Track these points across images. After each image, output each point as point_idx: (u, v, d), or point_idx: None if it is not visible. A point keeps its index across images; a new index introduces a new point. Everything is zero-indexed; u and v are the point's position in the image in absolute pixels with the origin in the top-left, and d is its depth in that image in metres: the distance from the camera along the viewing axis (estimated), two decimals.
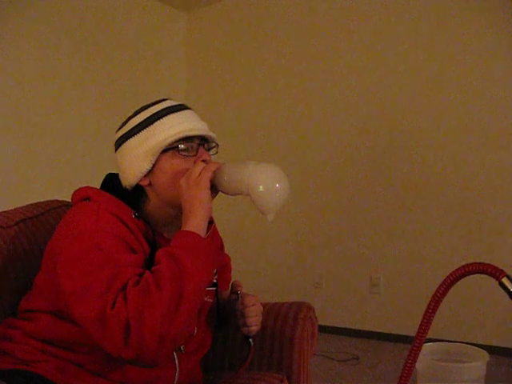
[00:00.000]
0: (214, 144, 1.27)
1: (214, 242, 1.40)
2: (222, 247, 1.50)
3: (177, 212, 1.21)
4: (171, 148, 1.19)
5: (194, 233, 1.09)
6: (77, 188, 1.26)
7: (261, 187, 1.14)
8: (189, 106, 1.29)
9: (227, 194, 1.20)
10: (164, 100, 1.26)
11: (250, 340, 1.35)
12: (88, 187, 1.24)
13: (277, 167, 1.20)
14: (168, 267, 1.02)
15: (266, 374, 1.42)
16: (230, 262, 1.54)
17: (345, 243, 3.88)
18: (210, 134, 1.25)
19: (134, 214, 1.18)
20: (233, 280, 1.42)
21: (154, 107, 1.23)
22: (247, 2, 4.45)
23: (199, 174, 1.14)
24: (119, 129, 1.26)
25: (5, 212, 1.47)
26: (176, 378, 1.21)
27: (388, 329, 3.64)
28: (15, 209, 1.52)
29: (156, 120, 1.21)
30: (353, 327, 3.79)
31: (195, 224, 1.11)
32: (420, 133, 3.60)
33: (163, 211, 1.24)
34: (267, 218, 1.18)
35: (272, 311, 1.51)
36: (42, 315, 1.16)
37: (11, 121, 3.39)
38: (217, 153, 1.28)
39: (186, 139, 1.20)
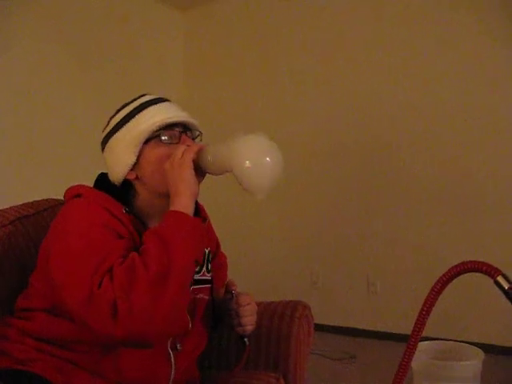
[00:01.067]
0: (197, 132, 1.28)
1: (209, 239, 1.40)
2: (218, 246, 1.50)
3: (167, 203, 1.19)
4: (153, 137, 1.20)
5: (179, 211, 1.09)
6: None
7: (247, 162, 1.08)
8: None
9: (215, 174, 1.17)
10: (143, 95, 1.28)
11: (245, 340, 1.34)
12: (79, 185, 1.25)
13: (266, 139, 1.14)
14: (154, 245, 1.02)
15: (262, 373, 1.43)
16: (227, 261, 1.54)
17: (342, 242, 3.88)
18: (191, 120, 1.26)
19: (125, 209, 1.18)
20: (228, 279, 1.42)
21: (133, 103, 1.26)
22: (244, 2, 4.44)
23: (182, 155, 1.14)
24: (103, 130, 1.28)
25: (0, 211, 1.47)
26: (172, 377, 1.21)
27: (385, 327, 3.64)
28: (11, 207, 1.51)
29: (136, 114, 1.22)
30: (349, 326, 3.79)
31: (181, 204, 1.10)
32: (421, 134, 3.60)
33: (153, 204, 1.24)
34: (256, 197, 1.13)
35: (268, 310, 1.51)
36: (38, 313, 1.16)
37: (6, 119, 3.39)
38: (201, 141, 1.28)
39: (168, 127, 1.21)
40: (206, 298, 1.33)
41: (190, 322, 1.23)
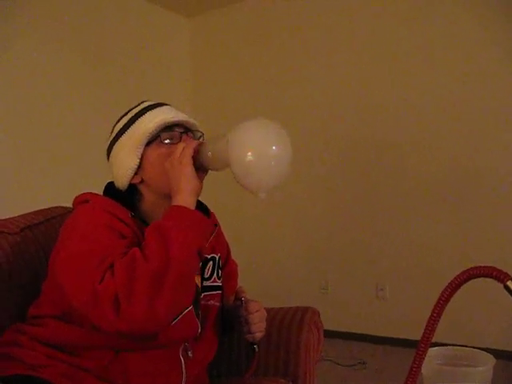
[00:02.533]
0: (199, 133, 1.29)
1: (219, 245, 1.41)
2: (228, 253, 1.50)
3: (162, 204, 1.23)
4: (154, 139, 1.22)
5: (180, 206, 1.09)
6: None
7: (249, 155, 0.98)
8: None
9: (216, 170, 1.16)
10: (142, 102, 1.30)
11: (255, 347, 1.34)
12: (87, 192, 1.27)
13: (271, 123, 1.03)
14: (153, 238, 1.03)
15: (272, 379, 1.42)
16: (237, 269, 1.54)
17: (351, 248, 3.87)
18: (191, 120, 1.27)
19: (131, 214, 1.19)
20: (238, 286, 1.43)
21: (134, 109, 1.28)
22: (250, 7, 4.45)
23: (181, 153, 1.15)
24: (108, 138, 1.30)
25: (10, 219, 1.48)
26: None
27: (395, 333, 3.62)
28: (20, 216, 1.52)
29: (137, 119, 1.24)
30: (359, 332, 3.78)
31: (182, 199, 1.10)
32: (429, 138, 3.59)
33: (159, 206, 1.24)
34: (258, 196, 1.03)
35: (277, 316, 1.51)
36: (49, 320, 1.17)
37: (13, 128, 3.40)
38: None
39: (168, 129, 1.23)
40: (217, 304, 1.33)
41: (199, 327, 1.23)
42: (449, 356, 1.00)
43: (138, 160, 1.22)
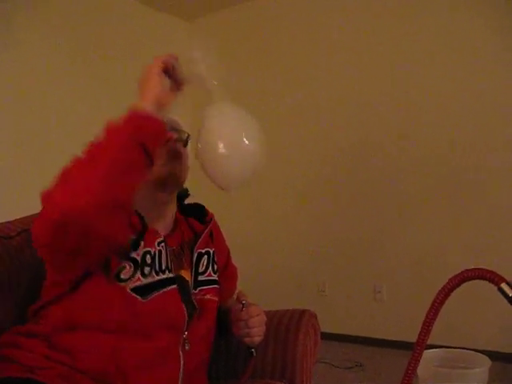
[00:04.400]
0: (185, 134, 1.32)
1: (218, 244, 1.43)
2: (228, 257, 1.51)
3: (163, 200, 1.28)
4: None
5: (133, 110, 1.07)
6: None
7: (221, 147, 0.94)
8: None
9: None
10: None
11: (253, 350, 1.34)
12: None
13: (240, 110, 0.99)
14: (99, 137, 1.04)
15: (268, 381, 1.42)
16: (237, 272, 1.55)
17: (348, 250, 3.88)
18: (175, 118, 1.32)
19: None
20: (238, 290, 1.43)
21: None
22: (249, 11, 4.46)
23: (152, 64, 1.15)
24: None
25: (6, 223, 1.48)
26: (180, 380, 1.22)
27: (392, 335, 3.63)
28: (16, 220, 1.52)
29: None
30: (356, 334, 3.78)
31: (140, 105, 1.09)
32: (429, 141, 3.60)
33: (151, 196, 1.26)
34: (229, 192, 1.01)
35: (275, 319, 1.51)
36: (51, 308, 1.18)
37: (12, 130, 3.41)
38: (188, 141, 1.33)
39: None
40: (215, 299, 1.34)
41: (185, 312, 1.23)
42: (444, 358, 1.00)
43: None
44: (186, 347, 1.23)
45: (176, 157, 1.24)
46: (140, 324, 1.16)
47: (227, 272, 1.48)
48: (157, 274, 1.19)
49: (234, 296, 1.42)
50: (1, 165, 3.31)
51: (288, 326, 1.48)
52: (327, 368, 3.18)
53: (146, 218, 1.23)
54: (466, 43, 3.49)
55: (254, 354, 1.35)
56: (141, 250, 1.18)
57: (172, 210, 1.34)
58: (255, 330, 1.32)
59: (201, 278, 1.32)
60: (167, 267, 1.22)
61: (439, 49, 3.58)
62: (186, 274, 1.29)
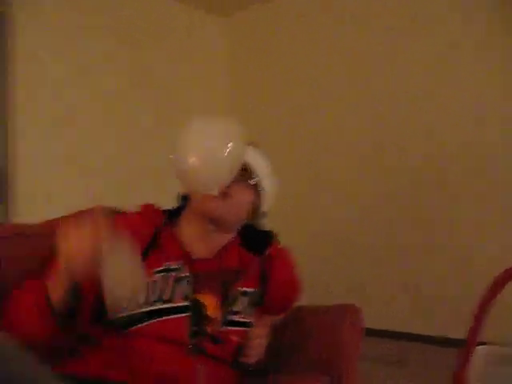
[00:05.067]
0: (256, 179, 1.34)
1: (278, 278, 1.41)
2: (292, 289, 1.48)
3: (208, 228, 1.31)
4: None
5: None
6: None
7: (192, 159, 1.13)
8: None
9: None
10: None
11: (250, 368, 1.34)
12: (149, 204, 1.39)
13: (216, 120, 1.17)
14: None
15: (313, 375, 1.43)
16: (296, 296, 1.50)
17: (389, 245, 3.83)
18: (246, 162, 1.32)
19: (164, 222, 1.31)
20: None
21: None
22: (287, 4, 4.43)
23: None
24: None
25: (57, 219, 1.51)
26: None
27: (434, 332, 3.57)
28: (66, 216, 1.56)
29: None
30: (398, 330, 3.74)
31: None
32: (470, 143, 3.53)
33: (195, 222, 1.32)
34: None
35: (319, 313, 1.51)
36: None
37: (59, 126, 3.47)
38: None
39: None
40: (236, 340, 1.29)
41: (188, 339, 1.21)
42: (496, 355, 0.99)
43: None
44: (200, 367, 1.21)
45: (225, 197, 1.26)
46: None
47: (286, 299, 1.47)
48: (150, 304, 1.18)
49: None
50: (49, 161, 3.38)
51: (333, 320, 1.48)
52: (369, 364, 3.15)
53: (189, 237, 1.31)
54: (497, 41, 3.40)
55: (250, 369, 1.34)
56: None
57: (219, 239, 1.35)
58: (252, 352, 1.31)
59: (233, 317, 1.29)
60: (172, 297, 1.21)
61: (468, 45, 3.50)
62: (206, 299, 1.26)
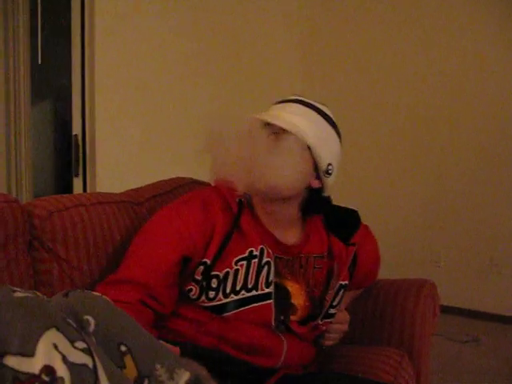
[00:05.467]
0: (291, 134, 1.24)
1: (364, 261, 1.41)
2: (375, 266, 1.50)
3: (268, 206, 1.28)
4: None
5: None
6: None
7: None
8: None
9: None
10: (296, 95, 1.34)
11: (324, 347, 1.36)
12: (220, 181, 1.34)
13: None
14: None
15: (385, 348, 1.43)
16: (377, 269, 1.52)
17: (465, 220, 3.72)
18: (276, 122, 1.23)
19: (239, 200, 1.25)
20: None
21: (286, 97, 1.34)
22: None
23: None
24: None
25: (136, 189, 1.58)
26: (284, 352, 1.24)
27: (510, 311, 3.47)
28: (145, 186, 1.62)
29: (272, 105, 1.33)
30: (473, 308, 3.65)
31: None
32: None
33: (261, 202, 1.29)
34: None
35: (393, 287, 1.50)
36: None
37: (133, 103, 3.55)
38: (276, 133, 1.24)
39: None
40: (324, 329, 1.33)
41: (272, 322, 1.22)
42: None
43: None
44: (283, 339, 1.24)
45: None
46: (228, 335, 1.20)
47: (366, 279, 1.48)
48: (235, 293, 1.19)
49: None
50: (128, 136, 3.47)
51: (407, 295, 1.47)
52: (442, 341, 3.11)
53: (267, 219, 1.28)
54: None
55: (323, 348, 1.36)
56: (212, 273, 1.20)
57: (284, 212, 1.29)
58: (330, 336, 1.33)
59: (332, 310, 1.31)
60: (255, 284, 1.21)
61: None
62: (292, 285, 1.27)
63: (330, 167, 1.27)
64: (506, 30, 3.53)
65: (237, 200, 1.25)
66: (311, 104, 1.29)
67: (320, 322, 1.28)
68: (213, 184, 1.33)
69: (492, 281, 3.60)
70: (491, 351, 3.01)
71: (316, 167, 1.26)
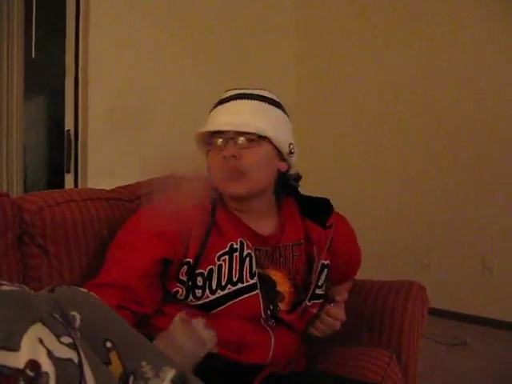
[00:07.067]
0: (251, 136, 1.23)
1: (341, 244, 1.40)
2: (354, 253, 1.48)
3: (236, 204, 1.29)
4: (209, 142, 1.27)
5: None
6: None
7: None
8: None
9: None
10: (231, 89, 1.32)
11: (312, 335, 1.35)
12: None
13: None
14: None
15: (375, 349, 1.43)
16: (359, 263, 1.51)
17: (456, 222, 3.72)
18: (228, 128, 1.23)
19: (212, 197, 1.27)
20: (340, 286, 1.44)
21: (223, 94, 1.32)
22: None
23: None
24: None
25: (128, 186, 1.57)
26: (272, 349, 1.25)
27: (500, 315, 3.48)
28: (137, 183, 1.61)
29: (211, 110, 1.31)
30: (462, 312, 3.66)
31: None
32: None
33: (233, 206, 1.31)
34: None
35: (383, 288, 1.51)
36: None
37: (126, 100, 3.53)
38: (254, 141, 1.23)
39: (217, 133, 1.24)
40: (314, 312, 1.33)
41: (262, 312, 1.24)
42: None
43: (207, 152, 1.30)
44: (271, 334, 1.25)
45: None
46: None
47: (349, 265, 1.47)
48: (222, 288, 1.20)
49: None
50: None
51: (396, 296, 1.48)
52: (429, 343, 3.12)
53: (240, 211, 1.29)
54: None
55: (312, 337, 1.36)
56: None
57: (259, 205, 1.31)
58: (320, 327, 1.33)
59: (318, 291, 1.32)
60: (240, 276, 1.22)
61: None
62: (275, 274, 1.29)
63: (291, 146, 1.30)
64: (493, 32, 3.56)
65: (209, 198, 1.27)
66: (254, 95, 1.28)
67: (308, 303, 1.29)
68: None
69: (482, 285, 3.61)
70: (479, 355, 3.02)
71: (279, 152, 1.28)
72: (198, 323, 1.08)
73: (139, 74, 3.54)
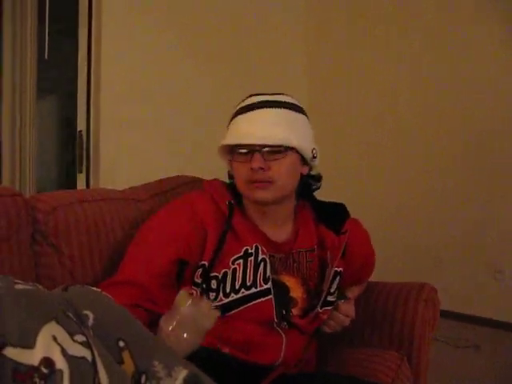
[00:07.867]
0: (281, 148, 1.23)
1: (353, 255, 1.40)
2: (367, 257, 1.49)
3: (259, 208, 1.29)
4: (233, 151, 1.26)
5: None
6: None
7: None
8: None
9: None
10: (252, 96, 1.30)
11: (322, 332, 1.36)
12: (209, 180, 1.38)
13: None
14: None
15: (385, 351, 1.43)
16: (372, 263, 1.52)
17: (468, 224, 3.70)
18: (255, 141, 1.22)
19: (228, 202, 1.27)
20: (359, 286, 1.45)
21: (242, 102, 1.30)
22: None
23: None
24: None
25: (140, 186, 1.58)
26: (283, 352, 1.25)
27: None
28: (148, 183, 1.63)
29: (233, 118, 1.29)
30: (474, 314, 3.64)
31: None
32: None
33: (253, 211, 1.31)
34: None
35: (394, 290, 1.50)
36: None
37: (138, 101, 3.54)
38: (280, 153, 1.23)
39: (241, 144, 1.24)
40: (325, 318, 1.33)
41: (275, 316, 1.24)
42: None
43: (229, 162, 1.31)
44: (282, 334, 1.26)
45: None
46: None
47: (364, 268, 1.48)
48: (235, 292, 1.21)
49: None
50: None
51: (407, 298, 1.47)
52: (441, 346, 3.10)
53: (258, 217, 1.30)
54: None
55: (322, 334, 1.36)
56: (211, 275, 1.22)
57: (280, 211, 1.32)
58: (331, 323, 1.34)
59: (330, 298, 1.33)
60: (254, 281, 1.23)
61: None
62: (289, 280, 1.30)
63: (314, 151, 1.30)
64: (493, 32, 3.53)
65: (226, 202, 1.27)
66: (277, 102, 1.27)
67: (320, 310, 1.30)
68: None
69: (494, 287, 3.58)
70: (491, 358, 3.00)
71: (302, 157, 1.28)
72: (202, 297, 1.11)
73: (152, 75, 3.55)
